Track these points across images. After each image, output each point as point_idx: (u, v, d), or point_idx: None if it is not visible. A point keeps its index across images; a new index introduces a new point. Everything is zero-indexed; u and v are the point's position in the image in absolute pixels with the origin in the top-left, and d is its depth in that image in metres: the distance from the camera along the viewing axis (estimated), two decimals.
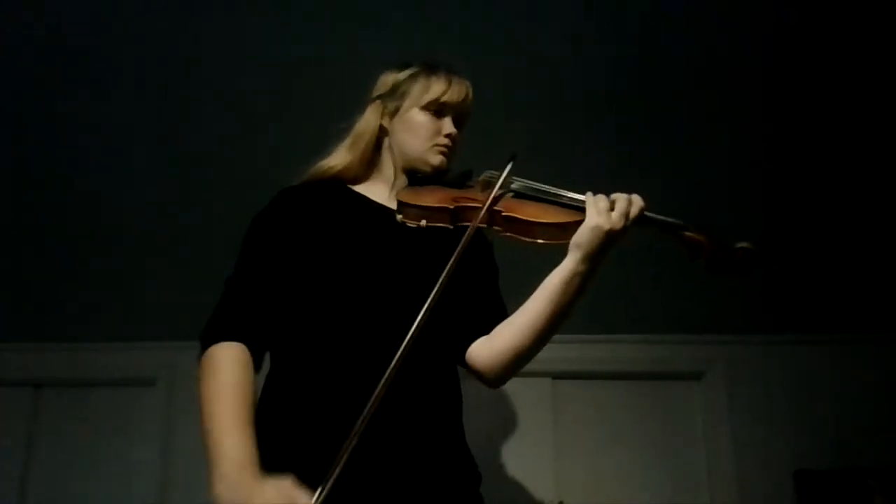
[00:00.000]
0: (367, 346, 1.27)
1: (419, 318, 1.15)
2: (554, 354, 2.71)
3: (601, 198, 1.28)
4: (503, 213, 1.32)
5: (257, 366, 1.29)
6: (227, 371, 1.22)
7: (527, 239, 1.32)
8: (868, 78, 2.21)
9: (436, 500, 1.26)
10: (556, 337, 2.96)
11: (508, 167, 1.37)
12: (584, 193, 1.31)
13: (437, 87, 1.45)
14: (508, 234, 1.33)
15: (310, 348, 1.31)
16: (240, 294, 1.31)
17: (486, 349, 1.37)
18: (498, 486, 2.54)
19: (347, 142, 1.49)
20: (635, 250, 2.49)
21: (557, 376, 2.72)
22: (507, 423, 2.61)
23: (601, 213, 1.26)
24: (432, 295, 1.17)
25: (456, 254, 1.21)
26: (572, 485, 2.60)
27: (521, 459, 2.59)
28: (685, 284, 2.63)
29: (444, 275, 1.19)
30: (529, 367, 2.84)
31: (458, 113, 1.47)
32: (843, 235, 2.54)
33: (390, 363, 1.15)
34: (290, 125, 2.24)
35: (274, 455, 1.18)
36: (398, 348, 1.18)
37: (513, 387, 2.65)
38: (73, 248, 2.54)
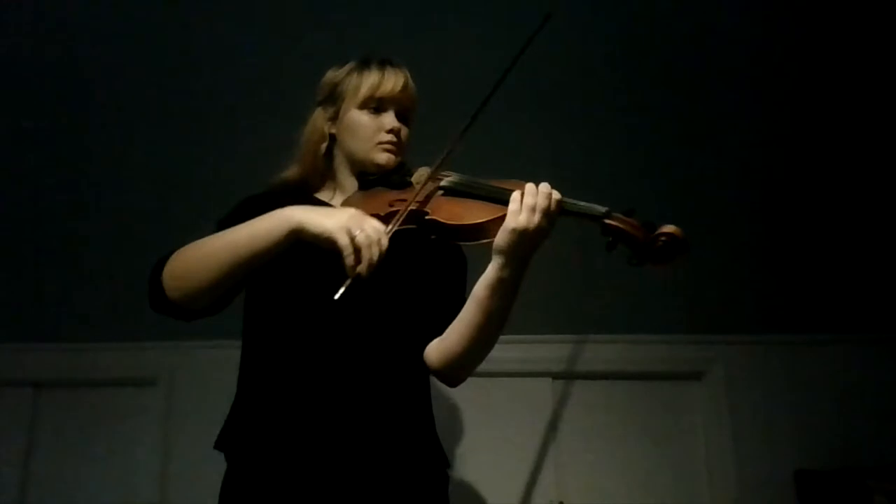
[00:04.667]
0: (322, 346, 1.28)
1: None
2: (554, 354, 2.73)
3: (515, 198, 1.20)
4: (427, 217, 1.24)
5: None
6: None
7: (461, 243, 1.26)
8: (871, 77, 2.21)
9: (397, 498, 1.25)
10: (556, 337, 2.95)
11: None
12: (517, 183, 1.23)
13: (369, 82, 1.39)
14: (441, 238, 1.25)
15: (266, 349, 1.33)
16: None
17: (438, 351, 1.34)
18: (498, 486, 2.54)
19: (297, 154, 1.46)
20: None
21: (557, 376, 2.71)
22: (507, 423, 2.60)
23: (518, 213, 1.18)
24: None
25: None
26: (572, 485, 2.60)
27: (521, 459, 2.58)
28: (686, 284, 2.63)
29: None
30: (529, 367, 2.84)
31: (399, 105, 1.41)
32: (843, 235, 2.54)
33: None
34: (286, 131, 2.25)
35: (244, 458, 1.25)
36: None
37: (513, 387, 2.65)
38: (74, 247, 2.54)
